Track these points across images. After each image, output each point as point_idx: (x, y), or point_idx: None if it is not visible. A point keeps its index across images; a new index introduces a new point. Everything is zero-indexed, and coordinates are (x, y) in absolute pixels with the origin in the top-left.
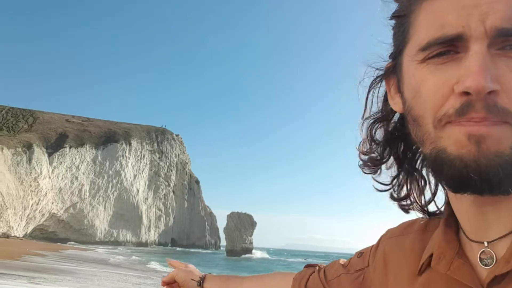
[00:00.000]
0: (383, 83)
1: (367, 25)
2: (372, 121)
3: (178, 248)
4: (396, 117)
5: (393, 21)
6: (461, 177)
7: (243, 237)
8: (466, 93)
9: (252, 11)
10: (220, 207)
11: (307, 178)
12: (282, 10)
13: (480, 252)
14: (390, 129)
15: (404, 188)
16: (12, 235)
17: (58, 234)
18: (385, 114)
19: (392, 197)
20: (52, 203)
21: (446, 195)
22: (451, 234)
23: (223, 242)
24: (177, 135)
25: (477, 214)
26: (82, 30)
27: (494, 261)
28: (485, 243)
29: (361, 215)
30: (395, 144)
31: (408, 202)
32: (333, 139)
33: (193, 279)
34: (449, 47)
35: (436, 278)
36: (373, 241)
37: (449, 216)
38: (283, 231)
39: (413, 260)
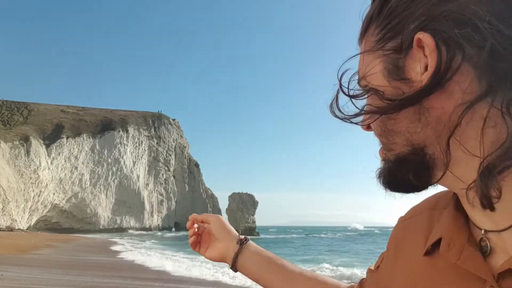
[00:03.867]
0: None
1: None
2: None
3: (173, 234)
4: None
5: None
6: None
7: (245, 217)
8: None
9: None
10: (221, 189)
11: (309, 155)
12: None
13: (479, 239)
14: None
15: None
16: (16, 228)
17: (62, 224)
18: None
19: None
20: (54, 194)
21: None
22: (461, 219)
23: None
24: (173, 120)
25: (470, 206)
26: (72, 18)
27: (489, 249)
28: (482, 231)
29: (365, 190)
30: None
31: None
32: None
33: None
34: None
35: (445, 265)
36: (377, 215)
37: (458, 199)
38: (286, 209)
39: (420, 239)
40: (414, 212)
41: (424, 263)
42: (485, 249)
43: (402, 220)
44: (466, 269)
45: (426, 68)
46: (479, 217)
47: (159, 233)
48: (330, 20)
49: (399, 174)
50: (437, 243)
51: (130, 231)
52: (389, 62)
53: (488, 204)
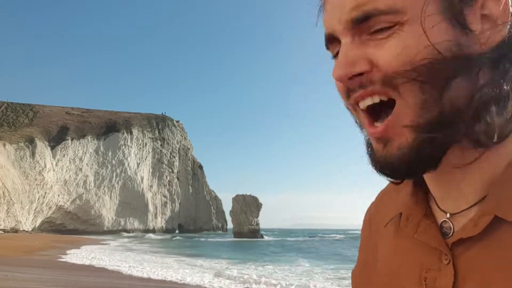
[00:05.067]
0: None
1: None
2: None
3: (176, 237)
4: None
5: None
6: (377, 167)
7: (249, 219)
8: (344, 81)
9: None
10: (225, 191)
11: (314, 157)
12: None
13: (442, 220)
14: None
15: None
16: (21, 229)
17: (67, 226)
18: None
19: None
20: (58, 195)
21: None
22: (420, 195)
23: (229, 225)
24: (177, 121)
25: (441, 186)
26: (79, 22)
27: (452, 232)
28: (448, 214)
29: (372, 192)
30: None
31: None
32: (338, 116)
33: None
34: (333, 46)
35: (404, 239)
36: None
37: (418, 177)
38: (291, 211)
39: (385, 218)
40: (382, 197)
41: (386, 238)
42: (447, 230)
43: (371, 204)
44: (423, 242)
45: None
46: (446, 200)
47: (153, 236)
48: None
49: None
50: (399, 219)
51: (125, 233)
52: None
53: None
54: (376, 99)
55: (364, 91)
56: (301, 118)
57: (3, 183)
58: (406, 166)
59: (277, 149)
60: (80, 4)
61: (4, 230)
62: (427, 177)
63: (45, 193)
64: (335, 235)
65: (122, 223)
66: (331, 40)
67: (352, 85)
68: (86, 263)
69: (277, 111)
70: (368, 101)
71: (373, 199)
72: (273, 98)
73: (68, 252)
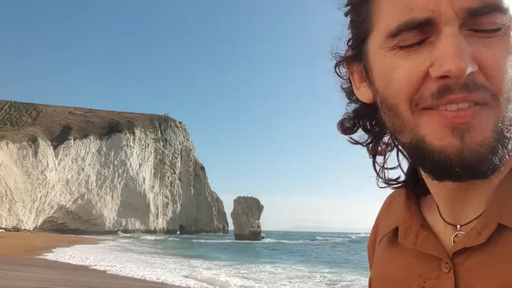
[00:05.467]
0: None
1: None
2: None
3: (173, 238)
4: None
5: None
6: (444, 169)
7: (250, 221)
8: (444, 77)
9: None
10: (227, 192)
11: (315, 160)
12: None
13: (453, 236)
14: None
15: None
16: (23, 228)
17: (68, 225)
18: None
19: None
20: (60, 195)
21: (411, 169)
22: (413, 207)
23: (231, 226)
24: (180, 123)
25: (455, 198)
26: (82, 21)
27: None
28: (458, 227)
29: (371, 195)
30: (364, 121)
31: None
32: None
33: None
34: (420, 34)
35: (404, 251)
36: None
37: (411, 189)
38: (292, 214)
39: (383, 231)
40: (385, 207)
41: (386, 251)
42: (449, 241)
43: (378, 214)
44: (422, 252)
45: None
46: (454, 211)
47: (148, 237)
48: None
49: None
50: (395, 232)
51: (122, 233)
52: None
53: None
54: (472, 104)
55: (468, 94)
56: (304, 121)
57: (5, 182)
58: (484, 165)
59: (279, 151)
60: (84, 5)
61: (6, 229)
62: (439, 187)
63: (47, 192)
64: (335, 238)
65: (124, 223)
66: (422, 25)
67: (466, 82)
68: (67, 261)
69: (280, 113)
70: (464, 105)
71: (373, 200)
72: (277, 101)
73: (54, 250)
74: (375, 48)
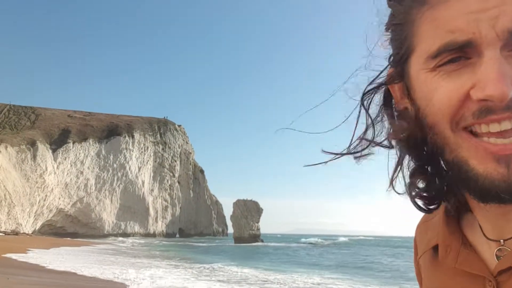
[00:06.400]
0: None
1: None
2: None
3: (167, 241)
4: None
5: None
6: (489, 193)
7: (250, 224)
8: (485, 100)
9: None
10: (226, 195)
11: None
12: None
13: (496, 249)
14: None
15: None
16: (22, 232)
17: (67, 229)
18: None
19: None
20: (59, 198)
21: (450, 186)
22: (453, 224)
23: (230, 229)
24: (179, 126)
25: (498, 216)
26: (81, 24)
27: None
28: (502, 241)
29: (372, 199)
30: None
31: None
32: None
33: None
34: (460, 53)
35: (445, 269)
36: (381, 224)
37: (450, 207)
38: (292, 217)
39: (421, 247)
40: (424, 218)
41: (428, 268)
42: (501, 258)
43: (419, 221)
44: (465, 271)
45: None
46: (495, 229)
47: (139, 240)
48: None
49: None
50: (435, 248)
51: (120, 237)
52: None
53: None
54: None
55: (511, 114)
56: (304, 123)
57: (4, 186)
58: None
59: (279, 154)
60: (83, 7)
61: (5, 233)
62: (481, 206)
63: (46, 196)
64: (335, 240)
65: (123, 227)
66: (463, 47)
67: (509, 105)
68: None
69: (279, 116)
70: (506, 125)
71: (373, 202)
72: (276, 104)
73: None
74: (416, 68)
